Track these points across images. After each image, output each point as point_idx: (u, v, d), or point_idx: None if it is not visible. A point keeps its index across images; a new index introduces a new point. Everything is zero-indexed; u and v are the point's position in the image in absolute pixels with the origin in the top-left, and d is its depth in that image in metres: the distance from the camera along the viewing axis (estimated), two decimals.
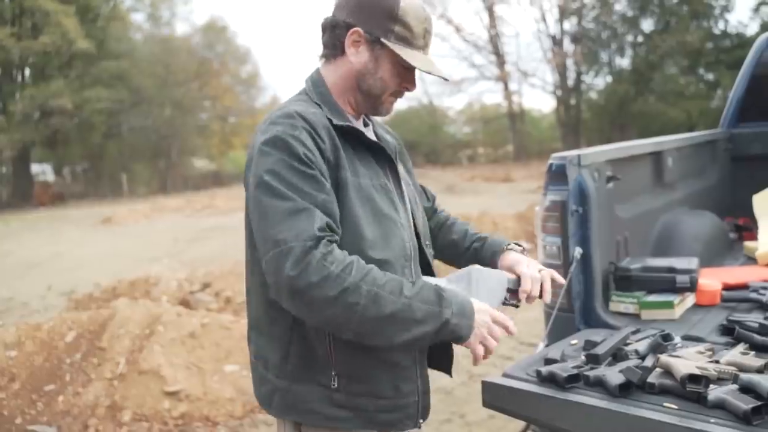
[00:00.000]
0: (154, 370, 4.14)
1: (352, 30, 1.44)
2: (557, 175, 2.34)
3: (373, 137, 1.55)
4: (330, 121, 1.43)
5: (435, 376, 1.64)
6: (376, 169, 1.48)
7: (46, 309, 7.34)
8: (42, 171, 33.55)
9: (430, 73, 1.47)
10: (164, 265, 9.34)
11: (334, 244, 1.29)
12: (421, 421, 1.52)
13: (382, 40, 1.43)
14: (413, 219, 1.57)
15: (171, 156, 33.80)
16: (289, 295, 1.26)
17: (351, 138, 1.45)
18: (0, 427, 3.76)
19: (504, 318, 1.41)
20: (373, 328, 1.28)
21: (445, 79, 1.53)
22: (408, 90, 1.52)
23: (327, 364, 1.41)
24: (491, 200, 14.77)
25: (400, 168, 1.60)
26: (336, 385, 1.41)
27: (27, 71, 31.33)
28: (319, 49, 1.54)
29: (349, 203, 1.38)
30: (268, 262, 1.27)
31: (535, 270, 1.60)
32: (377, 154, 1.50)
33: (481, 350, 1.37)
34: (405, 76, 1.49)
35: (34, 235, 15.53)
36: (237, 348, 4.52)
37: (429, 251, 1.62)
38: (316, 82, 1.52)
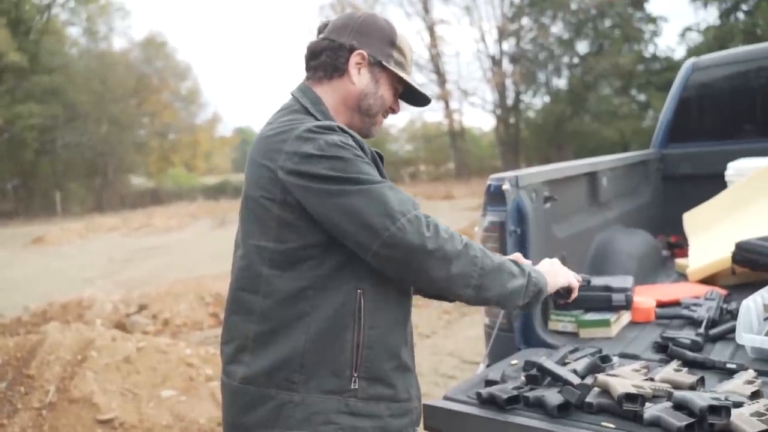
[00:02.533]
0: (86, 397, 3.97)
1: (356, 52, 1.54)
2: (496, 196, 2.37)
3: None
4: None
5: None
6: None
7: None
8: None
9: (424, 98, 1.65)
10: (98, 287, 9.02)
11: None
12: (417, 428, 1.55)
13: (384, 63, 1.55)
14: None
15: (107, 173, 32.92)
16: (427, 254, 1.36)
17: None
18: None
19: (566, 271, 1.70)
20: (491, 276, 1.44)
21: (428, 101, 1.68)
22: (393, 112, 1.65)
23: (348, 368, 1.41)
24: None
25: None
26: (356, 387, 1.41)
27: None
28: (301, 69, 1.62)
29: None
30: (399, 231, 1.34)
31: None
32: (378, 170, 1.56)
33: (568, 281, 1.66)
34: (395, 99, 1.63)
35: None
36: (174, 372, 4.38)
37: None
38: (315, 101, 1.55)
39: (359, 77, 1.55)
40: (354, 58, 1.54)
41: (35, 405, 3.93)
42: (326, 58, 1.55)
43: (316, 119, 1.49)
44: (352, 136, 1.45)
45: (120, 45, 48.60)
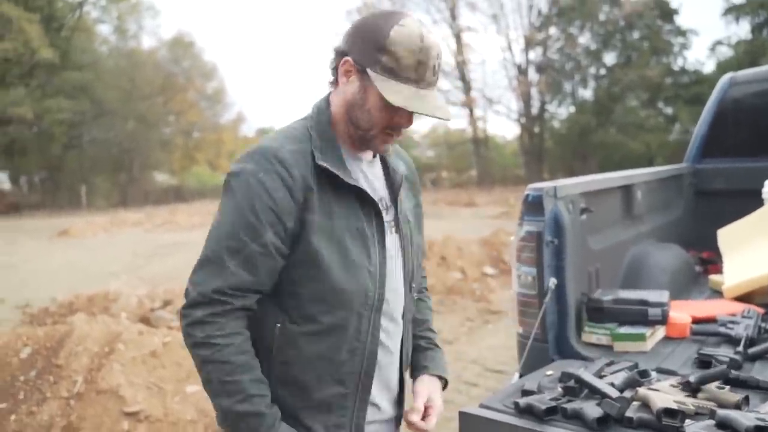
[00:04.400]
0: (113, 389, 4.02)
1: (344, 59, 1.41)
2: (533, 206, 2.36)
3: (374, 171, 1.54)
4: (313, 158, 1.41)
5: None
6: (355, 211, 1.44)
7: None
8: None
9: (420, 113, 1.38)
10: (123, 281, 9.13)
11: (227, 309, 1.35)
12: None
13: (368, 70, 1.37)
14: (400, 264, 1.55)
15: (132, 169, 33.29)
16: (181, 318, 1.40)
17: (331, 178, 1.42)
18: None
19: None
20: (205, 386, 1.40)
21: (441, 118, 1.42)
22: (403, 127, 1.44)
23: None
24: (455, 225, 14.85)
25: (388, 213, 1.54)
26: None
27: None
28: (325, 73, 1.53)
29: (313, 245, 1.38)
30: (185, 293, 1.39)
31: (430, 402, 1.58)
32: (360, 196, 1.46)
33: None
34: (397, 111, 1.40)
35: None
36: None
37: (410, 296, 1.59)
38: (321, 109, 1.49)
39: (348, 86, 1.42)
40: (343, 65, 1.42)
41: (63, 394, 3.99)
42: (331, 63, 1.48)
43: (304, 125, 1.48)
44: (279, 170, 1.37)
45: (149, 44, 49.14)
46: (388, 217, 1.52)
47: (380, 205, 1.49)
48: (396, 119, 1.41)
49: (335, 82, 1.48)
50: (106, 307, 6.85)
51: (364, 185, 1.48)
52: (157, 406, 4.04)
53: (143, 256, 12.75)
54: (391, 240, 1.52)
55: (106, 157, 32.55)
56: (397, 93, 1.36)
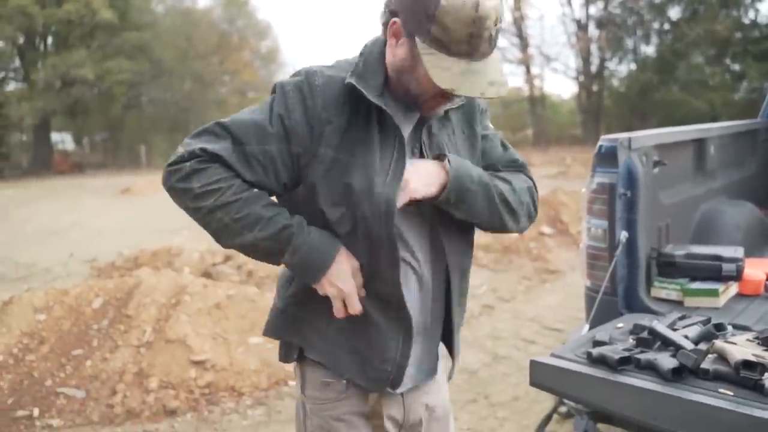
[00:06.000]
0: (180, 339, 4.18)
1: (393, 19, 1.32)
2: (606, 158, 2.31)
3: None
4: (353, 91, 1.36)
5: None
6: (373, 137, 1.38)
7: (69, 276, 7.42)
8: (61, 140, 33.79)
9: (467, 95, 1.29)
10: (184, 237, 9.39)
11: (211, 164, 1.34)
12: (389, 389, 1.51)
13: (416, 38, 1.28)
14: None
15: (189, 129, 33.63)
16: (162, 182, 1.39)
17: (357, 100, 1.36)
18: (30, 388, 3.81)
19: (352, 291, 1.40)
20: (221, 238, 1.38)
21: (491, 98, 1.32)
22: (456, 97, 1.34)
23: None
24: None
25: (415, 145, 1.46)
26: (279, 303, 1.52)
27: (50, 40, 31.43)
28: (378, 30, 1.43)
29: (316, 177, 1.36)
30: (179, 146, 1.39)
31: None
32: (381, 118, 1.38)
33: (333, 293, 1.39)
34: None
35: (54, 203, 15.66)
36: (262, 321, 4.49)
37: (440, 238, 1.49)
38: (372, 52, 1.41)
39: (396, 48, 1.34)
40: (392, 27, 1.33)
41: (134, 343, 4.16)
42: (383, 20, 1.38)
43: (350, 62, 1.42)
44: (305, 89, 1.36)
45: (204, 3, 49.50)
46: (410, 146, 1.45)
47: (402, 132, 1.40)
48: (446, 92, 1.30)
49: (386, 35, 1.38)
50: (170, 261, 7.06)
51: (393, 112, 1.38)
52: (222, 355, 4.18)
53: None
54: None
55: (164, 117, 33.16)
56: (445, 70, 1.26)
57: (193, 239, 8.69)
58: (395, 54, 1.35)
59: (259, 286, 6.20)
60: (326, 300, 1.42)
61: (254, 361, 4.21)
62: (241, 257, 7.11)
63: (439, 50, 1.26)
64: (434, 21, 1.24)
